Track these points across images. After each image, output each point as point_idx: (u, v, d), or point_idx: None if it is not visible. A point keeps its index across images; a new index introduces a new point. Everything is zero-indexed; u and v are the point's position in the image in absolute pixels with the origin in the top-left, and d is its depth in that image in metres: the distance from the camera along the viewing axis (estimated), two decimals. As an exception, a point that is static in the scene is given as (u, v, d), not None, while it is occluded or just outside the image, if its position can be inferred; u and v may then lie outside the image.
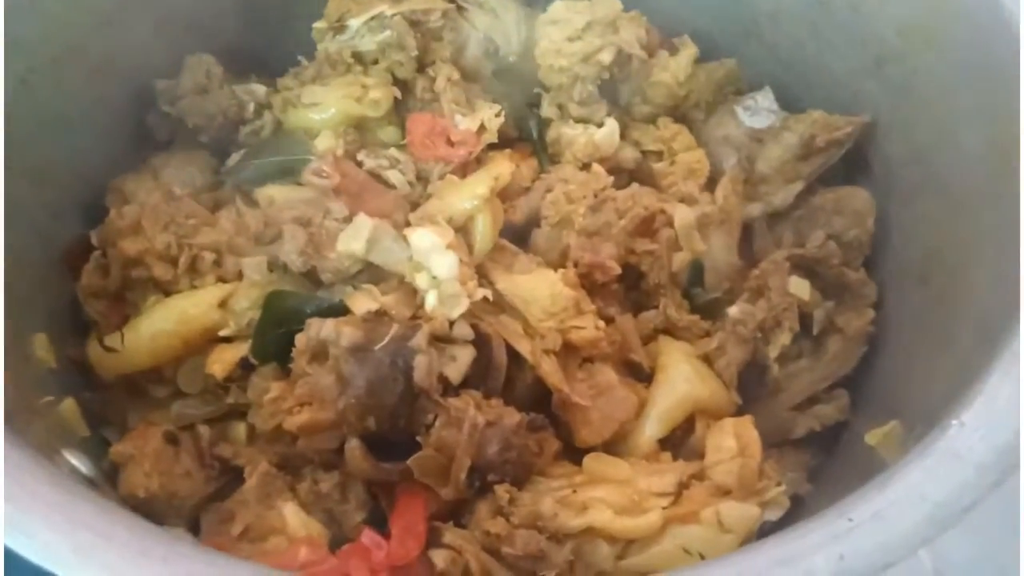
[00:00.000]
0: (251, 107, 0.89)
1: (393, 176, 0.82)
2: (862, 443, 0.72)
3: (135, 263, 0.74)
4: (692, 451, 0.72)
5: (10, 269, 0.68)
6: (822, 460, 0.79)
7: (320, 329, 0.63)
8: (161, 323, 0.70)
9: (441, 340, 0.65)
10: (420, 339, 0.63)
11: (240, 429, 0.70)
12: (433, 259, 0.67)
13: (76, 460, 0.59)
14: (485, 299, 0.68)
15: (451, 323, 0.66)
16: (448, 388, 0.65)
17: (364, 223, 0.69)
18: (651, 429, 0.71)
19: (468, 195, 0.72)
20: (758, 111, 0.92)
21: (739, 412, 0.76)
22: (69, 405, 0.66)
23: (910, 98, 0.81)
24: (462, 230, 0.72)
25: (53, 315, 0.74)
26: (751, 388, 0.78)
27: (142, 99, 0.89)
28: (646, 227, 0.77)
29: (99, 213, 0.82)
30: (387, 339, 0.63)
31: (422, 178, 0.83)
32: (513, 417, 0.65)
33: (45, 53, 0.75)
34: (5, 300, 0.64)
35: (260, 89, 0.91)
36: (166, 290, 0.75)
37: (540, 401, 0.72)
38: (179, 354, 0.71)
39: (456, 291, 0.66)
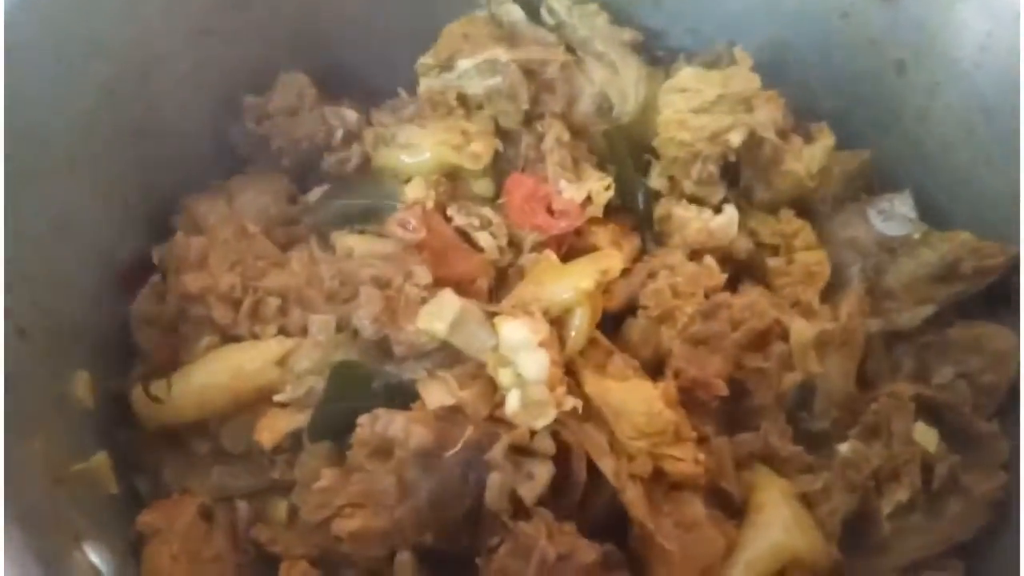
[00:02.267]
0: (339, 134, 0.83)
1: (483, 239, 0.74)
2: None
3: (195, 300, 0.68)
4: (779, 609, 0.64)
5: (57, 295, 0.62)
6: (921, 634, 0.69)
7: (388, 424, 0.56)
8: (213, 375, 0.64)
9: (518, 452, 0.57)
10: (497, 452, 0.55)
11: (281, 508, 0.63)
12: (522, 356, 0.59)
13: (96, 556, 0.52)
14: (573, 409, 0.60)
15: (532, 433, 0.58)
16: (519, 508, 0.57)
17: (451, 302, 0.61)
18: (737, 580, 0.62)
19: (570, 286, 0.63)
20: (893, 216, 0.82)
21: (837, 568, 0.67)
22: (101, 460, 0.59)
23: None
24: (556, 322, 0.64)
25: (99, 344, 0.68)
26: (851, 540, 0.69)
27: (226, 112, 0.83)
28: (760, 341, 0.69)
29: (162, 229, 0.77)
30: (459, 445, 0.56)
31: (514, 244, 0.75)
32: (588, 554, 0.57)
33: (135, 61, 0.69)
34: (44, 333, 0.58)
35: (351, 115, 0.84)
36: (223, 332, 0.69)
37: (614, 524, 0.63)
38: (227, 410, 0.64)
39: (543, 398, 0.58)
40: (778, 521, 0.64)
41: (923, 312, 0.78)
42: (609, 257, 0.67)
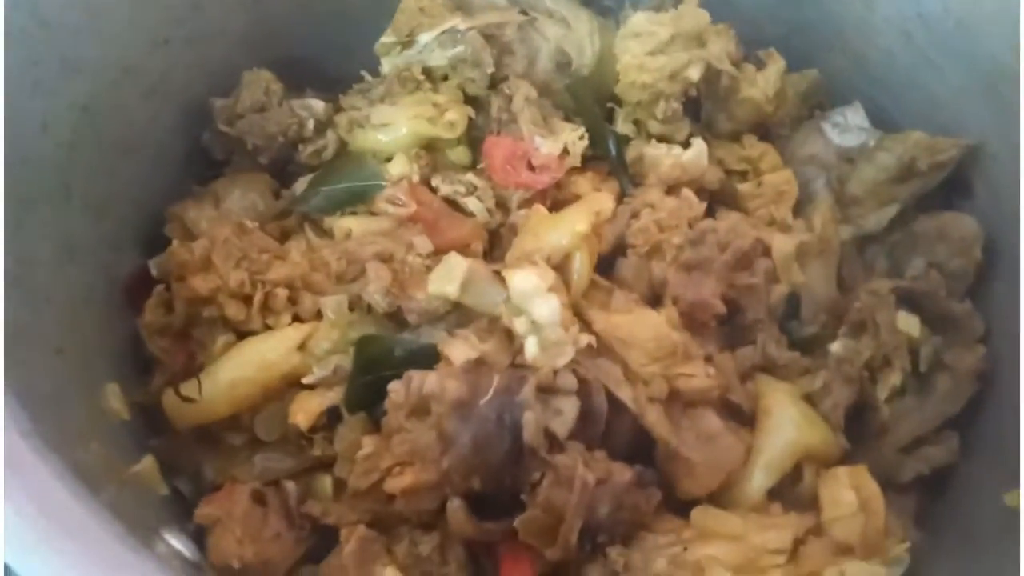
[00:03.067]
0: (310, 124, 0.84)
1: (471, 203, 0.77)
2: (981, 491, 0.69)
3: (206, 302, 0.69)
4: (800, 500, 0.69)
5: (78, 313, 0.63)
6: (927, 504, 0.75)
7: (423, 383, 0.58)
8: (240, 370, 0.66)
9: (545, 391, 0.61)
10: (527, 393, 0.59)
11: (326, 483, 0.65)
12: (534, 303, 0.62)
13: (177, 542, 0.54)
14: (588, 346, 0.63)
15: (554, 372, 0.62)
16: (553, 443, 0.61)
17: (459, 264, 0.64)
18: (759, 479, 0.67)
19: (567, 232, 0.67)
20: (848, 128, 0.87)
21: (845, 455, 0.72)
22: (149, 463, 0.61)
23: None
24: (558, 268, 0.67)
25: (119, 358, 0.69)
26: (854, 429, 0.74)
27: (196, 118, 0.84)
28: (746, 259, 0.73)
29: (156, 241, 0.78)
30: (491, 392, 0.59)
31: (501, 205, 0.78)
32: (623, 474, 0.61)
33: (105, 77, 0.70)
34: (76, 350, 0.60)
35: (318, 105, 0.85)
36: (236, 329, 0.71)
37: (638, 448, 0.68)
38: (257, 401, 0.66)
39: (560, 338, 0.62)
40: (788, 421, 0.69)
41: (888, 213, 0.83)
42: (600, 199, 0.70)
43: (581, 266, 0.67)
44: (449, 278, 0.64)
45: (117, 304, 0.72)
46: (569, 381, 0.61)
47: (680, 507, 0.67)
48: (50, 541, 0.36)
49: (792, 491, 0.69)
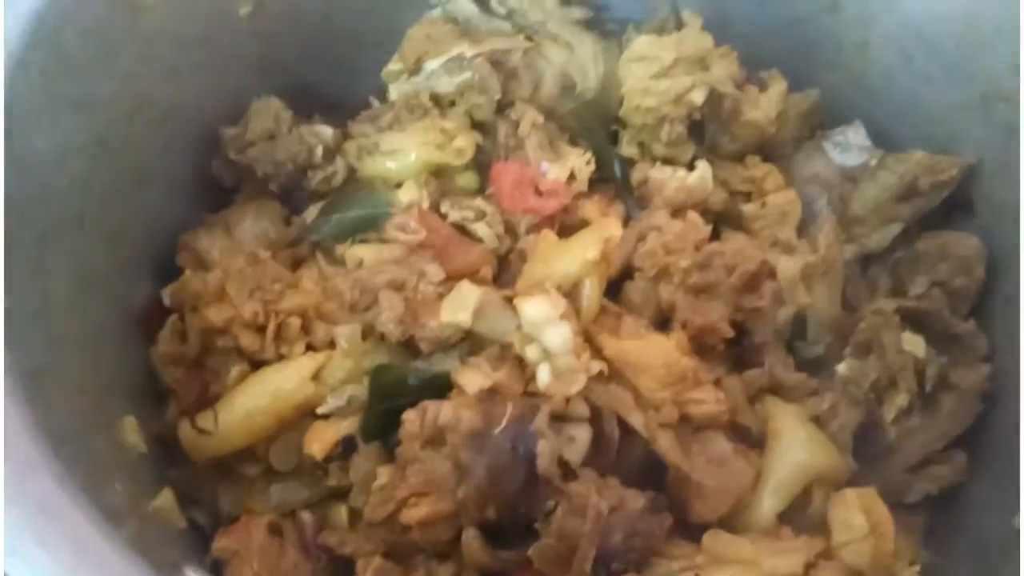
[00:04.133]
0: (319, 151, 0.85)
1: (480, 229, 0.77)
2: (989, 509, 0.70)
3: (220, 332, 0.70)
4: (810, 523, 0.69)
5: (95, 348, 0.64)
6: (935, 523, 0.76)
7: (437, 414, 0.59)
8: (255, 400, 0.66)
9: (558, 419, 0.62)
10: (541, 422, 0.60)
11: (341, 512, 0.66)
12: (546, 331, 0.63)
13: None
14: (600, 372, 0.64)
15: (567, 399, 0.62)
16: (567, 471, 0.61)
17: (471, 292, 0.65)
18: (769, 502, 0.68)
19: (577, 259, 0.68)
20: (849, 147, 0.88)
21: (853, 476, 0.73)
22: (167, 497, 0.62)
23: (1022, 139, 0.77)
24: (568, 295, 0.68)
25: (134, 391, 0.70)
26: (861, 449, 0.75)
27: (206, 147, 0.85)
28: (753, 282, 0.74)
29: (167, 270, 0.78)
30: (505, 422, 0.60)
31: (509, 230, 0.79)
32: (636, 501, 0.62)
33: (120, 110, 0.71)
34: (96, 386, 0.60)
35: (327, 131, 0.86)
36: (251, 358, 0.71)
37: (648, 473, 0.68)
38: (272, 431, 0.67)
39: (572, 366, 0.63)
40: (796, 443, 0.70)
41: (891, 231, 0.84)
42: (609, 225, 0.71)
43: (591, 292, 0.68)
44: (462, 306, 0.65)
45: (131, 335, 0.73)
46: (581, 409, 0.62)
47: (690, 532, 0.68)
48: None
49: (802, 514, 0.70)
